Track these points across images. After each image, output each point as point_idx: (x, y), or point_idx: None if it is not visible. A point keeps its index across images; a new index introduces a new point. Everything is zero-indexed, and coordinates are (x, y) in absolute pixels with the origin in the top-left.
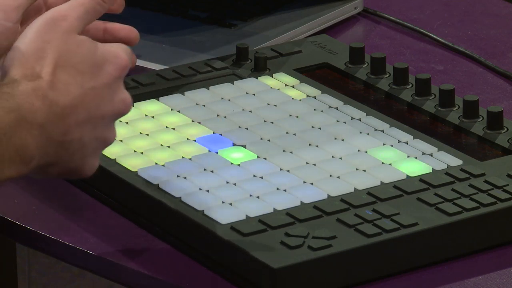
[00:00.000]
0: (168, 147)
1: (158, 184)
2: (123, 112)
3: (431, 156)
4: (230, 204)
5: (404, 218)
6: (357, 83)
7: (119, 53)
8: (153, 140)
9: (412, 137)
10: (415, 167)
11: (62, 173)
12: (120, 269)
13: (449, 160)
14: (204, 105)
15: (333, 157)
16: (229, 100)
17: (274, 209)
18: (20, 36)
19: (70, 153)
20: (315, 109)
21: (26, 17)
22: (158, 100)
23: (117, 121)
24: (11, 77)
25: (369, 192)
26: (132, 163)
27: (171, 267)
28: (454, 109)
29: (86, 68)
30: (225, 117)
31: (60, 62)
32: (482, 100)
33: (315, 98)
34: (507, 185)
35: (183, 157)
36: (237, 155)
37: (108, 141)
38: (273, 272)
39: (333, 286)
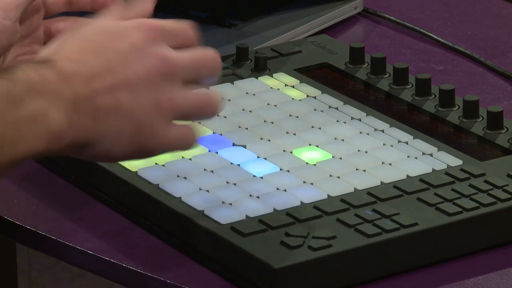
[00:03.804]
0: None
1: (158, 184)
2: (161, 68)
3: (431, 156)
4: (230, 204)
5: (404, 218)
6: (357, 83)
7: (142, 20)
8: None
9: (412, 137)
10: (415, 167)
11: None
12: (120, 269)
13: (449, 160)
14: None
15: (333, 157)
16: (229, 100)
17: (274, 209)
18: None
19: (115, 122)
20: (315, 109)
21: (25, 16)
22: None
23: None
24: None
25: (369, 192)
26: (132, 163)
27: (171, 267)
28: (454, 109)
29: (104, 37)
30: (225, 117)
31: (76, 39)
32: (482, 100)
33: (315, 98)
34: (507, 185)
35: (183, 157)
36: (238, 155)
37: (162, 103)
38: (273, 272)
39: (333, 286)
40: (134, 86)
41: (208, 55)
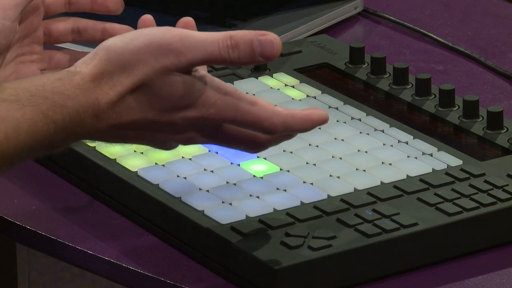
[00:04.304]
0: None
1: (158, 184)
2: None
3: (431, 156)
4: (230, 204)
5: (404, 218)
6: (357, 83)
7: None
8: None
9: (412, 137)
10: (415, 167)
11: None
12: (120, 269)
13: (449, 160)
14: None
15: (333, 157)
16: None
17: (274, 209)
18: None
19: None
20: None
21: (25, 16)
22: None
23: None
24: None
25: (369, 192)
26: (132, 163)
27: (171, 267)
28: (454, 109)
29: (159, 104)
30: None
31: (136, 86)
32: (482, 100)
33: (315, 98)
34: (507, 185)
35: (183, 157)
36: (238, 155)
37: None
38: (273, 272)
39: (333, 286)
40: (155, 140)
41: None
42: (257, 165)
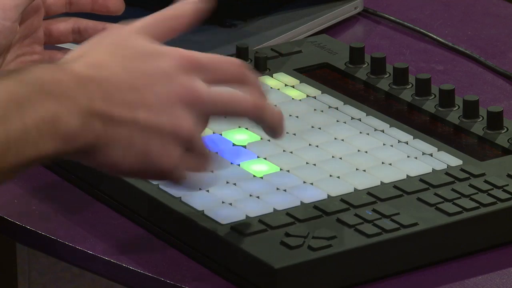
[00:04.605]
0: None
1: (158, 184)
2: (184, 97)
3: (431, 156)
4: (230, 204)
5: (404, 218)
6: (357, 83)
7: (180, 49)
8: None
9: (412, 137)
10: (415, 167)
11: (132, 159)
12: (120, 269)
13: (449, 160)
14: None
15: (333, 157)
16: None
17: (274, 209)
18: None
19: (127, 134)
20: (315, 109)
21: (25, 16)
22: None
23: None
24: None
25: (369, 192)
26: None
27: (171, 267)
28: (454, 109)
29: (136, 55)
30: (225, 117)
31: (104, 47)
32: (482, 100)
33: (315, 98)
34: (507, 185)
35: None
36: (238, 155)
37: (180, 131)
38: (273, 272)
39: (333, 286)
40: (153, 106)
41: (247, 99)
42: (257, 165)
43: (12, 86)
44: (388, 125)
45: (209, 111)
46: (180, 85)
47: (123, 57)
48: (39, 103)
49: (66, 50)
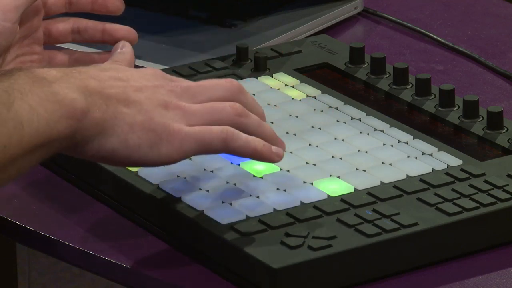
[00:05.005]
0: None
1: (158, 184)
2: (169, 87)
3: (431, 156)
4: (230, 204)
5: (404, 218)
6: (357, 83)
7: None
8: None
9: (412, 137)
10: (415, 167)
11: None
12: (120, 269)
13: (449, 160)
14: None
15: (333, 157)
16: None
17: (274, 209)
18: None
19: (127, 110)
20: (315, 109)
21: (25, 17)
22: None
23: None
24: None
25: (369, 192)
26: None
27: (171, 267)
28: (454, 109)
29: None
30: None
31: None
32: (482, 100)
33: (315, 98)
34: (507, 185)
35: None
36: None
37: (169, 105)
38: (273, 272)
39: (333, 286)
40: (141, 90)
41: (225, 105)
42: (257, 165)
43: (5, 83)
44: (388, 125)
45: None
46: (165, 82)
47: (101, 68)
48: (36, 87)
49: (66, 50)
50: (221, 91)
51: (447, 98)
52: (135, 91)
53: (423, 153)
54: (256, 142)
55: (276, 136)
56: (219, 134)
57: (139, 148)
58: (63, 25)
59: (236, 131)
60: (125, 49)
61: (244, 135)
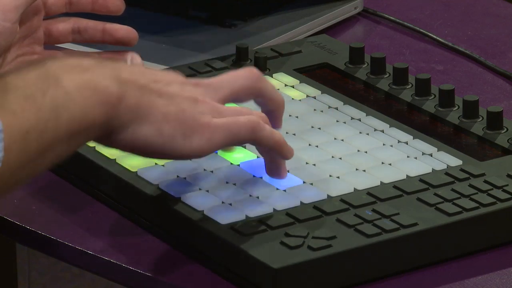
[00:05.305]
0: None
1: (158, 184)
2: (189, 83)
3: (431, 156)
4: (230, 204)
5: (404, 218)
6: (357, 83)
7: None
8: None
9: (412, 137)
10: (415, 167)
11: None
12: (120, 269)
13: (449, 160)
14: None
15: (333, 157)
16: None
17: (274, 209)
18: None
19: (160, 101)
20: (315, 109)
21: (25, 17)
22: None
23: None
24: None
25: (369, 192)
26: (132, 163)
27: (171, 267)
28: (454, 109)
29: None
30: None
31: None
32: (482, 100)
33: (315, 98)
34: (507, 185)
35: None
36: (237, 155)
37: (199, 101)
38: (273, 272)
39: (333, 286)
40: (170, 84)
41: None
42: (257, 165)
43: (39, 71)
44: (388, 125)
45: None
46: (180, 79)
47: None
48: (71, 74)
49: (66, 50)
50: (241, 80)
51: (447, 98)
52: (165, 84)
53: (423, 153)
54: (279, 135)
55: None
56: (247, 123)
57: (173, 138)
58: (64, 25)
59: (262, 122)
60: (135, 62)
61: (268, 126)
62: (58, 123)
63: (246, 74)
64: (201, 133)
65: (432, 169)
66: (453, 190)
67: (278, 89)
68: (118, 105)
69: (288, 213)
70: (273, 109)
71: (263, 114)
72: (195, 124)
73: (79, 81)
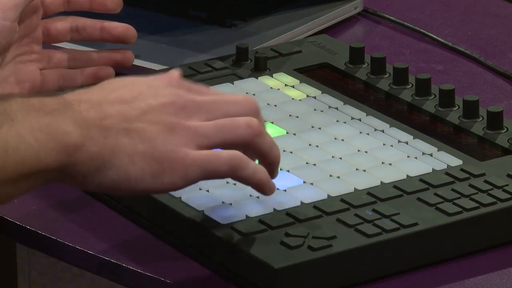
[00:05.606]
0: None
1: None
2: (176, 102)
3: (431, 156)
4: (230, 204)
5: (404, 218)
6: (357, 83)
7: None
8: None
9: (412, 137)
10: (415, 167)
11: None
12: (120, 269)
13: (449, 160)
14: None
15: (333, 157)
16: None
17: (274, 209)
18: None
19: (127, 141)
20: (315, 109)
21: (24, 16)
22: None
23: None
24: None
25: (369, 192)
26: None
27: (171, 267)
28: (454, 109)
29: (124, 82)
30: None
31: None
32: (482, 100)
33: (315, 98)
34: (507, 185)
35: None
36: None
37: (176, 127)
38: (273, 272)
39: (333, 286)
40: (146, 113)
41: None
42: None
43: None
44: (388, 125)
45: (208, 116)
46: (170, 94)
47: (111, 86)
48: (29, 116)
49: (64, 49)
50: (237, 108)
51: (447, 98)
52: (139, 115)
53: (423, 153)
54: (262, 174)
55: (279, 162)
56: (228, 161)
57: (142, 179)
58: (62, 24)
59: (245, 159)
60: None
61: (252, 164)
62: (5, 164)
63: (244, 103)
64: (173, 170)
65: (432, 169)
66: (453, 190)
67: (278, 89)
68: (76, 154)
69: (288, 213)
70: (269, 163)
71: (255, 123)
72: (167, 161)
73: (36, 124)
